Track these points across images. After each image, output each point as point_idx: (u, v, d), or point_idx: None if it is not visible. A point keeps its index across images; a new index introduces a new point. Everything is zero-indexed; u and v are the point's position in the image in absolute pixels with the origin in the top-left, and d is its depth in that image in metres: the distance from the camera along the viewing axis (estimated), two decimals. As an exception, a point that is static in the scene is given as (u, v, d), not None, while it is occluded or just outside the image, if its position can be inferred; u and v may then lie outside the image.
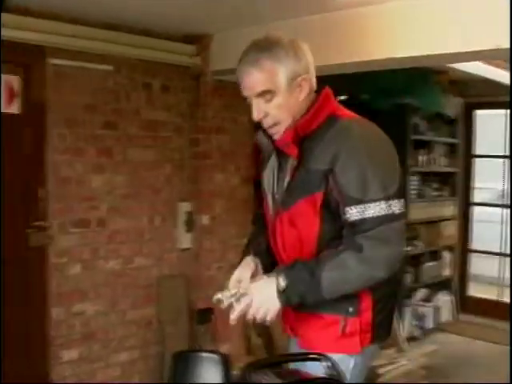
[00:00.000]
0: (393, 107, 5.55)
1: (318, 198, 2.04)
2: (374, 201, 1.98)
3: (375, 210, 1.98)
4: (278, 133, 2.10)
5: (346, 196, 1.99)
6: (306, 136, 2.06)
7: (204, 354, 2.22)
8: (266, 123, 2.09)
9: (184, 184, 4.56)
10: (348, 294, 2.04)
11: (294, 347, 2.30)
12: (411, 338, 5.72)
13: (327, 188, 2.02)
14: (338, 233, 2.08)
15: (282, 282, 2.00)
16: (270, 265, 2.23)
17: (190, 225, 4.56)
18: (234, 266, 4.70)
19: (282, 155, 2.16)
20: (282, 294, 2.00)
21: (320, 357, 1.99)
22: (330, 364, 2.02)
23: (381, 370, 4.84)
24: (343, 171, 1.98)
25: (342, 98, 5.24)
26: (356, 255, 1.97)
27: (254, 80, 2.04)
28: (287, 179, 2.11)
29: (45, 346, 3.87)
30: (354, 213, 1.98)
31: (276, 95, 2.04)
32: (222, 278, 4.57)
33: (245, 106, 4.66)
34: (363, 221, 1.98)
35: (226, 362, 2.70)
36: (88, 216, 4.03)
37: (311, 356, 2.09)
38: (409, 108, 5.71)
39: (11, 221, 3.67)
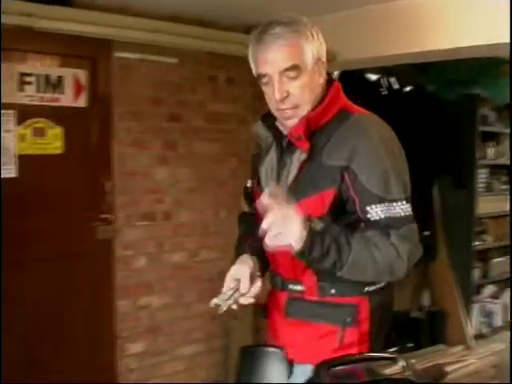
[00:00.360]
0: (460, 98, 5.37)
1: (328, 196, 1.89)
2: (396, 200, 1.89)
3: (398, 209, 1.89)
4: (294, 117, 1.93)
5: (368, 194, 1.86)
6: (316, 129, 1.94)
7: (270, 349, 2.21)
8: (286, 104, 1.91)
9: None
10: (350, 297, 1.94)
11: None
12: (479, 336, 5.58)
13: (340, 186, 1.88)
14: None
15: (318, 225, 1.78)
16: (263, 268, 2.06)
17: (254, 218, 4.50)
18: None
19: (286, 149, 2.02)
20: (310, 237, 1.74)
21: (394, 356, 1.95)
22: (405, 364, 1.97)
23: (448, 368, 4.73)
24: (364, 169, 1.86)
25: (408, 89, 5.14)
26: (384, 238, 1.83)
27: (281, 54, 1.87)
28: (293, 174, 1.97)
29: (111, 339, 3.90)
30: (377, 211, 1.86)
31: (302, 73, 1.89)
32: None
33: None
34: (388, 220, 1.86)
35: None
36: (153, 209, 4.05)
37: (387, 356, 2.04)
38: (477, 99, 5.50)
39: (78, 214, 3.71)
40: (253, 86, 4.46)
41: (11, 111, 3.40)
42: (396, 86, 5.03)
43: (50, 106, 3.55)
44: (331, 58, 3.77)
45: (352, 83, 4.64)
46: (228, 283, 1.93)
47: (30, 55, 3.47)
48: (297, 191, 1.91)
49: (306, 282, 2.00)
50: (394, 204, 1.87)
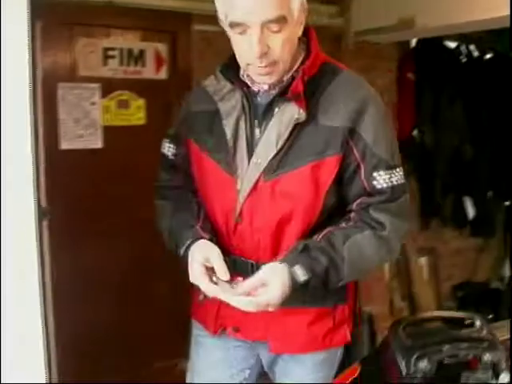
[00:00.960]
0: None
1: (332, 163, 1.70)
2: (398, 166, 1.76)
3: (399, 176, 1.76)
4: (271, 74, 1.68)
5: (377, 159, 1.71)
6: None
7: None
8: (265, 61, 1.64)
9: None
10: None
11: (242, 353, 1.99)
12: None
13: (345, 150, 1.70)
14: (338, 207, 1.80)
15: (302, 276, 1.65)
16: None
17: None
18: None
19: (264, 110, 1.75)
20: (299, 287, 1.66)
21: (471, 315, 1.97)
22: (482, 323, 1.98)
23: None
24: (371, 131, 1.70)
25: (488, 56, 5.02)
26: (377, 235, 1.73)
27: (266, 2, 1.58)
28: (283, 140, 1.70)
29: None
30: (384, 178, 1.72)
31: (287, 25, 1.62)
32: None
33: (383, 68, 4.60)
34: (391, 188, 1.74)
35: (370, 320, 2.73)
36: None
37: (463, 315, 2.06)
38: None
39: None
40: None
41: (96, 84, 3.53)
42: (476, 54, 4.93)
43: (132, 79, 3.66)
44: (410, 24, 3.74)
45: (431, 51, 4.61)
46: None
47: (113, 30, 3.59)
48: (290, 159, 1.71)
49: None
50: (396, 170, 1.76)
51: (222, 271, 1.65)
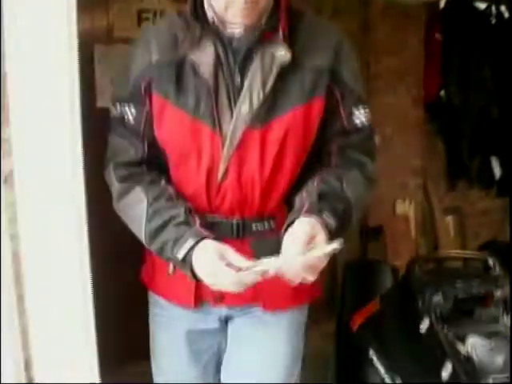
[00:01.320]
0: None
1: (318, 104, 1.64)
2: (367, 102, 1.73)
3: (369, 112, 1.72)
4: (250, 15, 1.56)
5: (356, 95, 1.67)
6: None
7: (374, 262, 2.37)
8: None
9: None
10: None
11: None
12: None
13: (327, 90, 1.64)
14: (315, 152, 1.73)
15: (333, 224, 1.54)
16: None
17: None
18: (404, 187, 4.76)
19: (242, 55, 1.60)
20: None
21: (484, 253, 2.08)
22: (495, 262, 2.10)
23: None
24: (348, 68, 1.66)
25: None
26: (362, 174, 1.69)
27: None
28: (269, 84, 1.58)
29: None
30: (363, 115, 1.69)
31: None
32: (391, 197, 4.68)
33: (414, 27, 4.63)
34: (369, 125, 1.72)
35: (395, 272, 2.85)
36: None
37: (476, 253, 2.16)
38: None
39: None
40: (357, 16, 4.53)
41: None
42: (506, 15, 4.93)
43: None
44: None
45: (460, 12, 4.63)
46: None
47: (147, -8, 3.71)
48: (278, 105, 1.62)
49: (278, 215, 1.73)
50: (367, 106, 1.72)
51: (242, 261, 1.48)
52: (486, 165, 4.99)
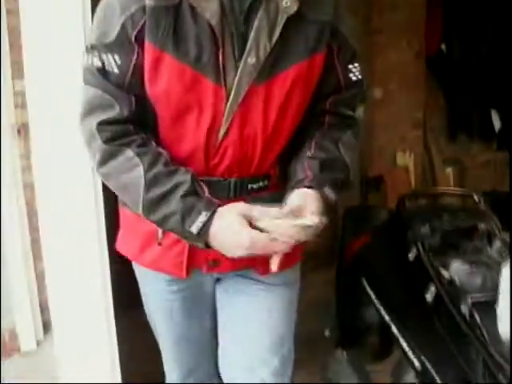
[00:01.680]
0: None
1: (320, 59, 1.58)
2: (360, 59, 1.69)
3: (361, 69, 1.68)
4: None
5: (352, 50, 1.65)
6: None
7: (373, 206, 2.50)
8: None
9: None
10: None
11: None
12: None
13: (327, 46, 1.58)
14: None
15: (333, 197, 1.54)
16: None
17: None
18: (404, 139, 4.84)
19: (248, 4, 1.48)
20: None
21: (469, 191, 2.21)
22: (480, 198, 2.22)
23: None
24: (344, 22, 1.62)
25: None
26: (354, 133, 1.69)
27: None
28: (276, 35, 1.48)
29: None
30: (358, 70, 1.67)
31: None
32: (392, 148, 4.78)
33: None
34: (362, 80, 1.69)
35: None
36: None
37: (463, 190, 2.28)
38: None
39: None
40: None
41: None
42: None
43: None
44: None
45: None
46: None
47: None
48: (284, 58, 1.53)
49: (272, 173, 1.69)
50: (359, 63, 1.69)
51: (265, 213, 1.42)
52: (486, 118, 5.06)
